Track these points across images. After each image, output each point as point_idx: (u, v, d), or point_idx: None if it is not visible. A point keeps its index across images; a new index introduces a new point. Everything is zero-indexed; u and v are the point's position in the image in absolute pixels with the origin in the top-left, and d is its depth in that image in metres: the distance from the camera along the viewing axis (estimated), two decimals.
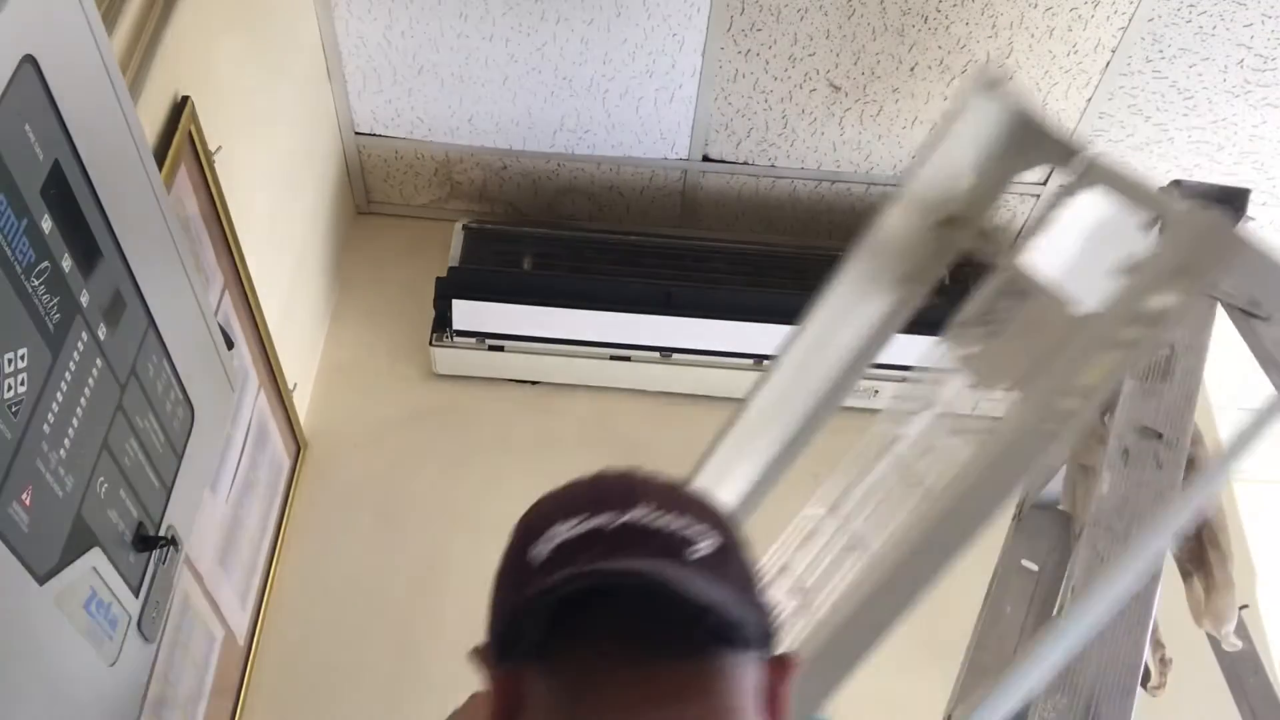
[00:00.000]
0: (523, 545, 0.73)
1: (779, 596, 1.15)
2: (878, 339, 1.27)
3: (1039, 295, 1.11)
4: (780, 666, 0.71)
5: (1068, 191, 1.13)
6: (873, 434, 1.21)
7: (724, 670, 0.67)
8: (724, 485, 1.25)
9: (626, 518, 0.69)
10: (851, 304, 1.28)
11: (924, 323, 2.52)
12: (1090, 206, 1.11)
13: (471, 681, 1.76)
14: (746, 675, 0.68)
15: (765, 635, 0.70)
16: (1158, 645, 1.07)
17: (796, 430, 1.27)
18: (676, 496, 0.73)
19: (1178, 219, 0.99)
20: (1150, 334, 0.98)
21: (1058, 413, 0.99)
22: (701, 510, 0.72)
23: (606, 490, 0.73)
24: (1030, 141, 1.25)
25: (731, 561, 0.70)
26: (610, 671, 0.66)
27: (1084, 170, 1.12)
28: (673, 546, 0.68)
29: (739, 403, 1.27)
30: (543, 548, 0.71)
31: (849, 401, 1.35)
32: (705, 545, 0.68)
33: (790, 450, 1.26)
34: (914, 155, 2.51)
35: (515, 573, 0.73)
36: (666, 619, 0.65)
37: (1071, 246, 1.12)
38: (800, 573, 1.18)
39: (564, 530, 0.70)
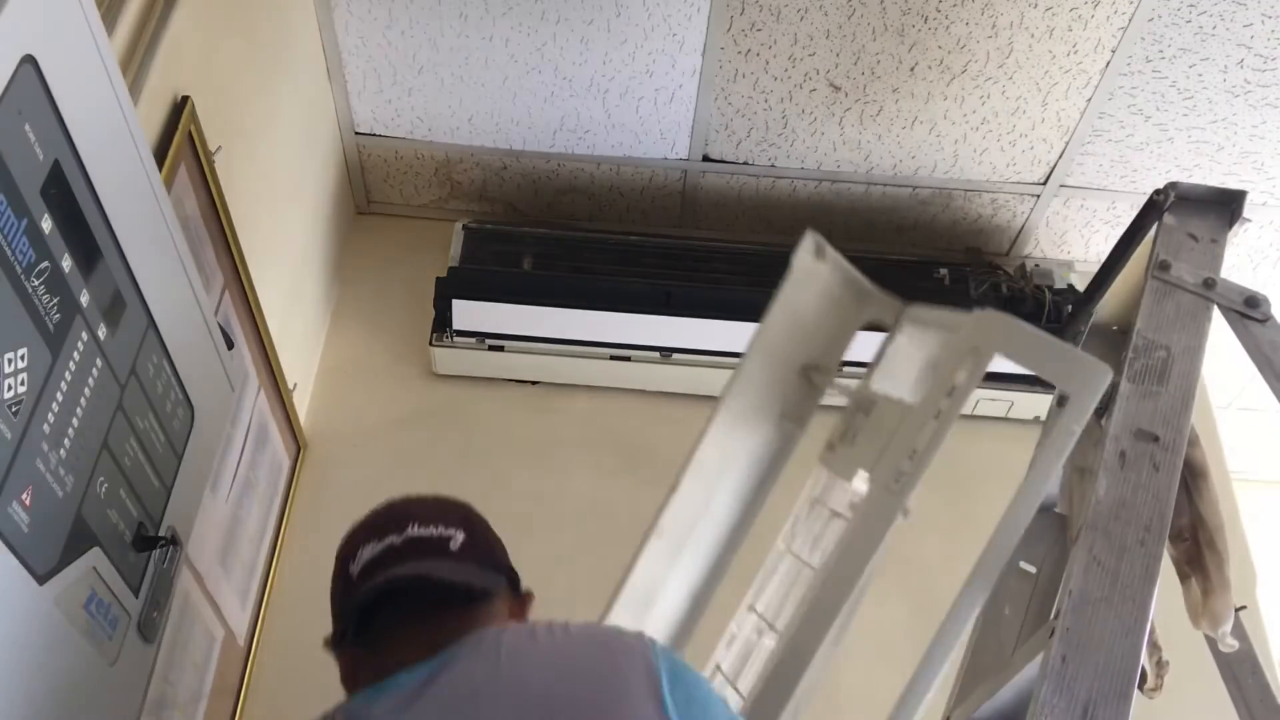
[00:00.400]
0: (343, 565, 1.09)
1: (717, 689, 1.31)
2: (770, 475, 1.47)
3: (881, 404, 1.35)
4: (520, 601, 1.12)
5: (894, 332, 1.43)
6: (776, 545, 1.44)
7: (476, 613, 1.04)
8: (651, 610, 1.44)
9: (408, 534, 1.09)
10: (737, 442, 1.48)
11: None
12: (912, 339, 1.41)
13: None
14: (495, 612, 1.06)
15: (508, 584, 1.10)
16: (1154, 648, 1.07)
17: (712, 561, 1.47)
18: (437, 512, 1.12)
19: (973, 319, 1.26)
20: (956, 401, 1.21)
21: (898, 475, 1.20)
22: (452, 517, 1.12)
23: (393, 517, 1.12)
24: (861, 299, 1.54)
25: (475, 545, 1.09)
26: (403, 628, 1.02)
27: (903, 315, 1.43)
28: (439, 546, 1.07)
29: (645, 534, 1.46)
30: (356, 566, 1.07)
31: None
32: (458, 539, 1.09)
33: (710, 580, 1.45)
34: (913, 155, 2.51)
35: (341, 586, 1.08)
36: (435, 594, 1.01)
37: (906, 369, 1.38)
38: (725, 667, 1.42)
39: (369, 551, 1.08)
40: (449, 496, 1.19)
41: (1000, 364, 1.18)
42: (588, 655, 1.00)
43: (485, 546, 1.12)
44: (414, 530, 1.10)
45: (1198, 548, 1.18)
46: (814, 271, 1.52)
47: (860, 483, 1.34)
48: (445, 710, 0.96)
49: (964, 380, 1.24)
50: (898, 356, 1.41)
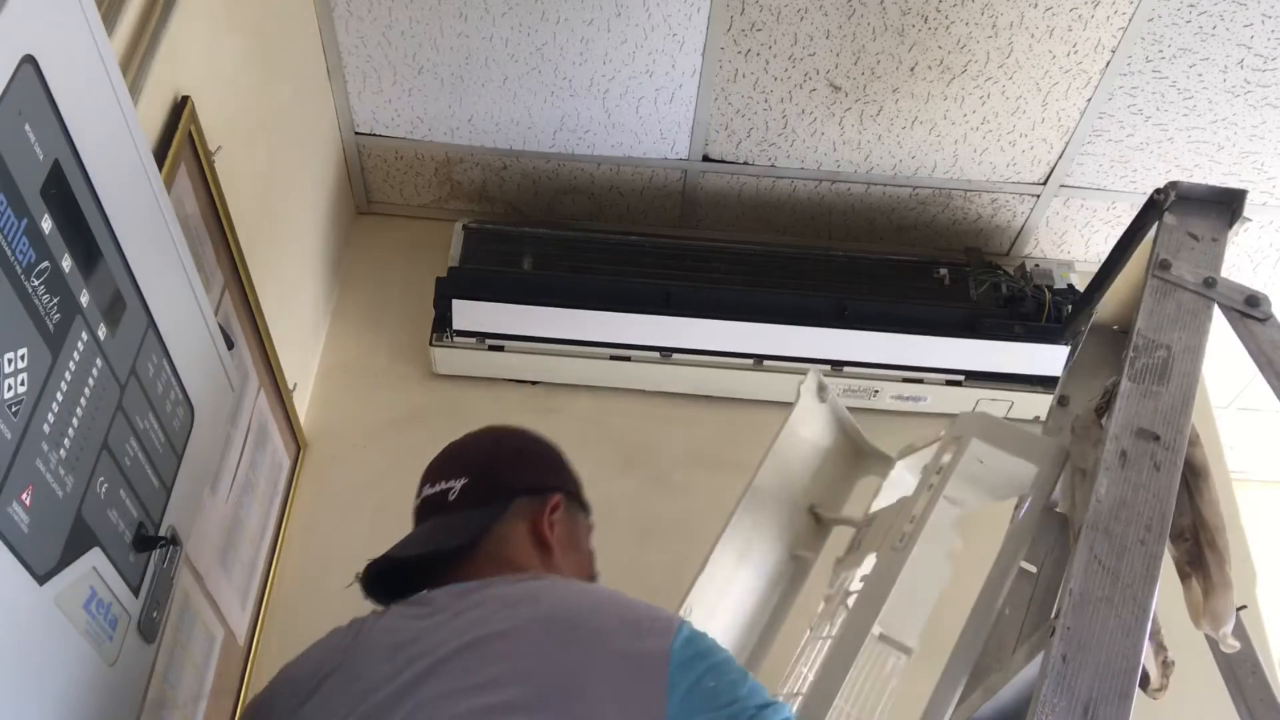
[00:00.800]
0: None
1: None
2: (783, 606, 1.64)
3: (884, 513, 1.55)
4: (539, 508, 1.20)
5: (889, 473, 1.66)
6: (805, 635, 1.54)
7: (491, 547, 1.15)
8: None
9: (421, 496, 1.28)
10: (750, 581, 1.64)
11: (921, 323, 2.52)
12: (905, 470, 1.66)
13: None
14: (511, 535, 1.17)
15: (527, 497, 1.20)
16: (1160, 648, 1.07)
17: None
18: (445, 465, 1.27)
19: (959, 421, 1.53)
20: (944, 476, 1.45)
21: (901, 537, 1.38)
22: (456, 466, 1.25)
23: (422, 477, 1.29)
24: (857, 453, 1.74)
25: (475, 486, 1.20)
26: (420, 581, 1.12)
27: (894, 465, 1.66)
28: (439, 502, 1.22)
29: None
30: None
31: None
32: (455, 489, 1.21)
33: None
34: (913, 155, 2.51)
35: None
36: (437, 551, 1.15)
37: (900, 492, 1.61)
38: None
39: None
40: (476, 434, 1.34)
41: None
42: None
43: (486, 483, 1.21)
44: (425, 491, 1.27)
45: (1199, 547, 1.18)
46: (815, 409, 1.72)
47: (870, 563, 1.46)
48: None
49: (950, 460, 1.47)
50: (893, 488, 1.64)
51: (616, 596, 1.06)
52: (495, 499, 1.18)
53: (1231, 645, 1.21)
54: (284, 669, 1.11)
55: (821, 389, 1.71)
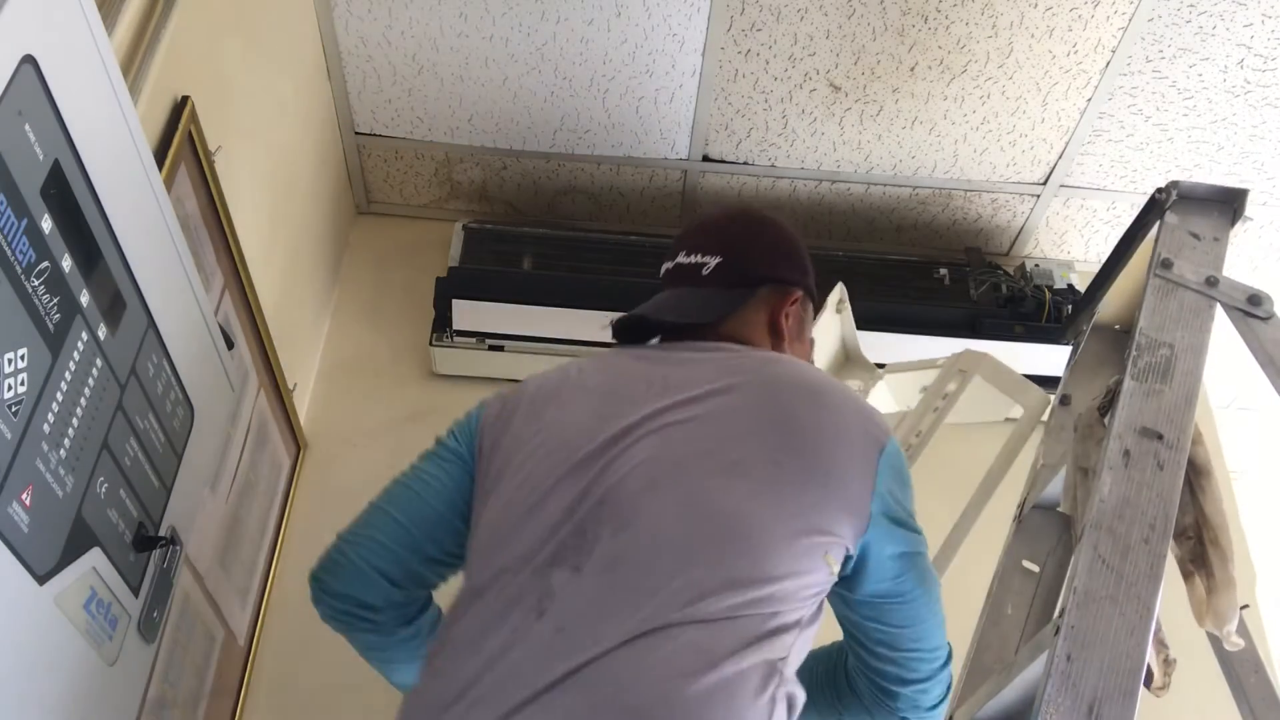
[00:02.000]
0: None
1: None
2: None
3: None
4: (780, 300, 1.27)
5: (869, 389, 1.97)
6: None
7: (731, 325, 1.23)
8: None
9: (675, 262, 1.29)
10: None
11: (921, 323, 2.51)
12: (890, 386, 2.01)
13: None
14: (751, 320, 1.25)
15: (774, 286, 1.27)
16: (1161, 645, 1.07)
17: None
18: (704, 238, 1.29)
19: (960, 355, 1.80)
20: (950, 401, 1.73)
21: (905, 448, 1.53)
22: (714, 243, 1.27)
23: (676, 243, 1.31)
24: (847, 359, 2.08)
25: (729, 266, 1.26)
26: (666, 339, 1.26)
27: (878, 378, 1.98)
28: (693, 274, 1.26)
29: None
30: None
31: None
32: (710, 265, 1.26)
33: None
34: (913, 155, 2.51)
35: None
36: (688, 320, 1.24)
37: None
38: None
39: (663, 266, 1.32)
40: (735, 213, 1.36)
41: None
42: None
43: (740, 265, 1.27)
44: (680, 258, 1.29)
45: (1202, 546, 1.18)
46: (831, 320, 1.90)
47: None
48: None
49: (954, 389, 1.70)
50: (878, 401, 1.87)
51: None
52: (745, 283, 1.26)
53: (1235, 644, 1.21)
54: (523, 384, 1.22)
55: (841, 302, 1.90)
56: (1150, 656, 0.97)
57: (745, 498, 1.02)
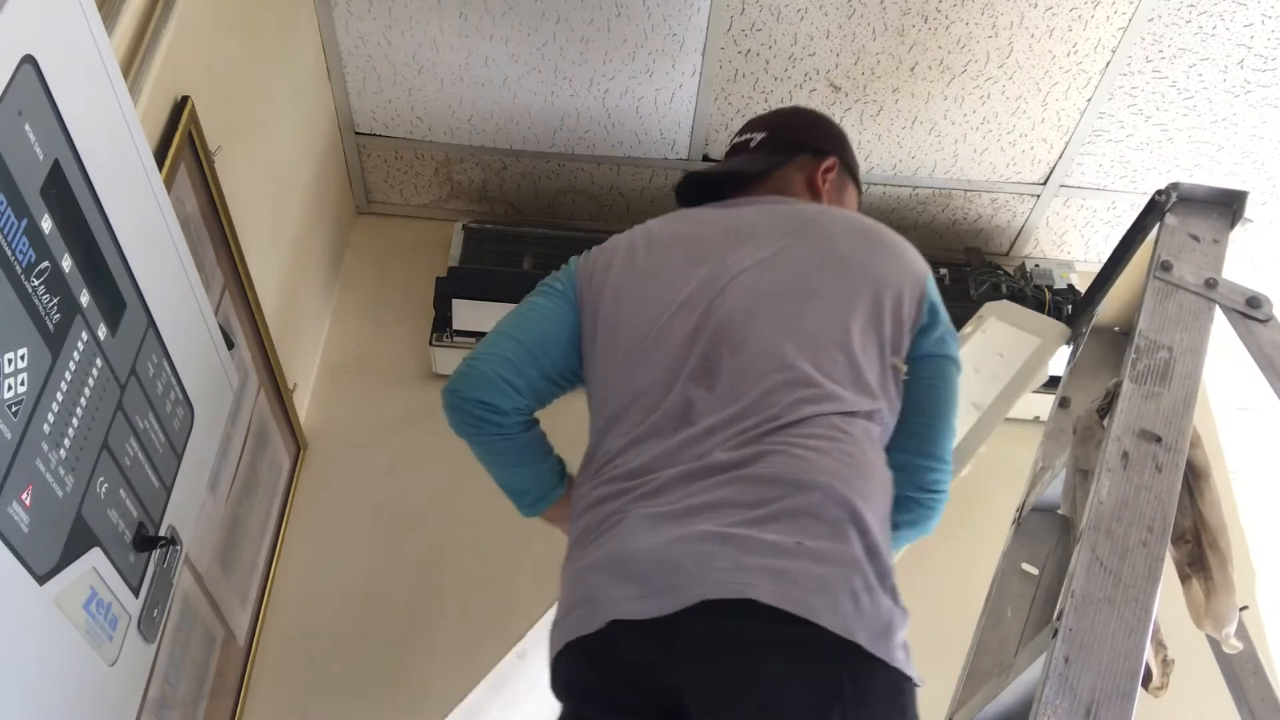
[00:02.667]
0: None
1: None
2: None
3: None
4: (816, 164, 1.50)
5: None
6: None
7: (773, 182, 1.47)
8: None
9: (730, 144, 1.60)
10: None
11: None
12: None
13: (472, 681, 1.76)
14: (791, 178, 1.49)
15: (809, 155, 1.50)
16: (1159, 646, 1.07)
17: None
18: (750, 124, 1.59)
19: (982, 309, 1.93)
20: (965, 340, 1.82)
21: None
22: (762, 124, 1.58)
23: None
24: None
25: (771, 139, 1.53)
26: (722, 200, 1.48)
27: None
28: (742, 147, 1.55)
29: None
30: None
31: None
32: (755, 139, 1.54)
33: None
34: (913, 155, 2.51)
35: None
36: (734, 173, 1.51)
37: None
38: None
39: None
40: (787, 108, 1.72)
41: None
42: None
43: (780, 137, 1.53)
44: (733, 140, 1.59)
45: (1200, 549, 1.18)
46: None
47: None
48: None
49: (970, 330, 1.84)
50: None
51: None
52: (784, 150, 1.51)
53: (1234, 646, 1.21)
54: (612, 240, 1.42)
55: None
56: (1149, 656, 0.97)
57: (825, 317, 1.25)
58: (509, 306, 2.38)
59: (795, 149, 1.51)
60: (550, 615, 1.61)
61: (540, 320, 1.38)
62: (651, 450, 1.19)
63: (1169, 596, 1.07)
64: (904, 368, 1.28)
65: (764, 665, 1.00)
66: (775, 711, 0.99)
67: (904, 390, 1.29)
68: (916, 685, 1.06)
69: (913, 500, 1.28)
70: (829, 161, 1.51)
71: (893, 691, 1.02)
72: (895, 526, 1.29)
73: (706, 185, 1.52)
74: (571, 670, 1.14)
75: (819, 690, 0.99)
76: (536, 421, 1.42)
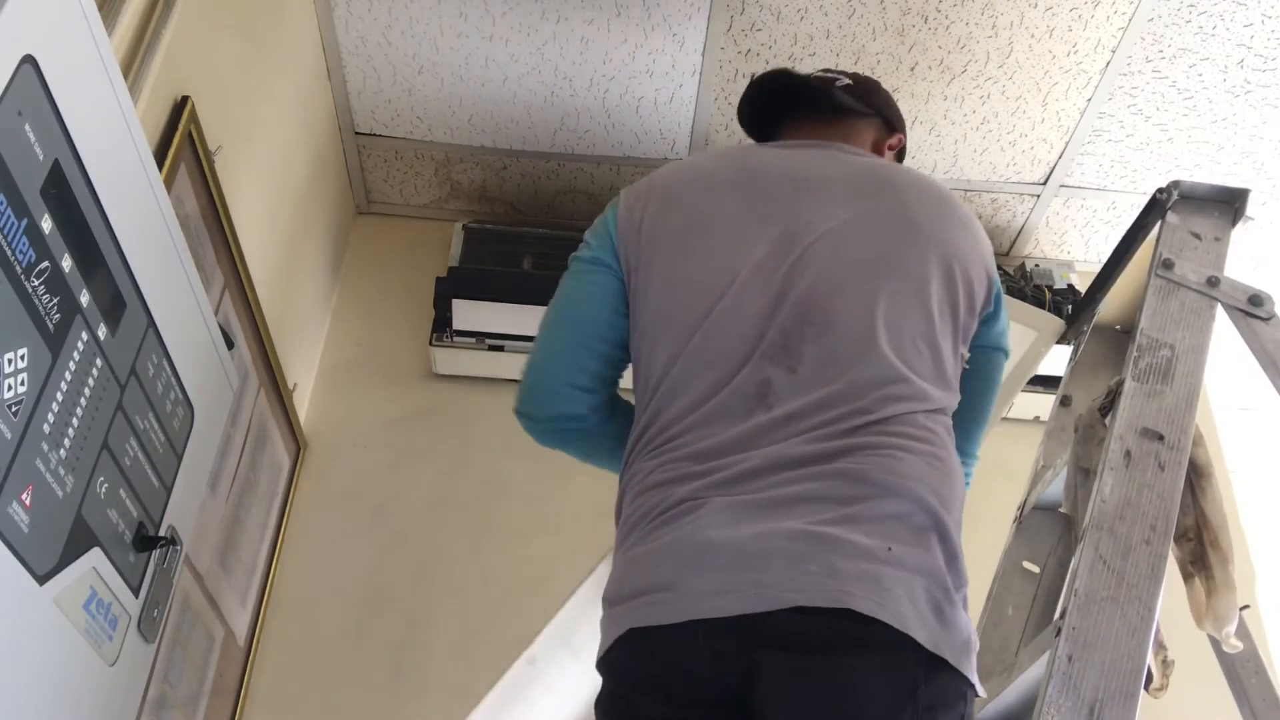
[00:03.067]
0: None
1: None
2: None
3: None
4: (887, 133, 1.48)
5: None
6: None
7: (836, 123, 1.44)
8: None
9: (815, 73, 1.51)
10: None
11: None
12: None
13: (472, 681, 1.76)
14: (856, 131, 1.45)
15: (881, 120, 1.48)
16: (1160, 647, 1.07)
17: None
18: (839, 70, 1.52)
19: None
20: None
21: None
22: (846, 73, 1.51)
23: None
24: None
25: (855, 88, 1.47)
26: (783, 115, 1.48)
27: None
28: (830, 79, 1.47)
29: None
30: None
31: None
32: (844, 81, 1.48)
33: None
34: (913, 155, 2.51)
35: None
36: (803, 97, 1.47)
37: None
38: None
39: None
40: (873, 77, 1.59)
41: None
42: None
43: (865, 93, 1.48)
44: (818, 72, 1.52)
45: (1201, 547, 1.18)
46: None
47: None
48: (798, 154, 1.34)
49: None
50: None
51: None
52: (866, 104, 1.46)
53: (1234, 646, 1.21)
54: (653, 177, 1.34)
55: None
56: (1149, 658, 0.97)
57: (909, 300, 1.18)
58: (509, 306, 2.41)
59: (875, 108, 1.47)
60: (558, 622, 1.59)
61: (583, 306, 1.30)
62: (722, 432, 1.12)
63: (1169, 597, 1.07)
64: (966, 355, 1.24)
65: (845, 657, 0.98)
66: (850, 702, 0.98)
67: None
68: (977, 695, 1.05)
69: None
70: (897, 138, 1.49)
71: (957, 700, 1.02)
72: None
73: (788, 91, 1.47)
74: (633, 656, 1.08)
75: (894, 689, 0.98)
76: (618, 399, 1.34)
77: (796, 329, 1.15)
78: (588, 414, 1.28)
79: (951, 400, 1.19)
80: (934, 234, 1.23)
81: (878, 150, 1.46)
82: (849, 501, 1.04)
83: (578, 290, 1.31)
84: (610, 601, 1.11)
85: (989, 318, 1.28)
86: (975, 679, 1.03)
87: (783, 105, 1.47)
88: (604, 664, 1.11)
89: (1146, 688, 1.02)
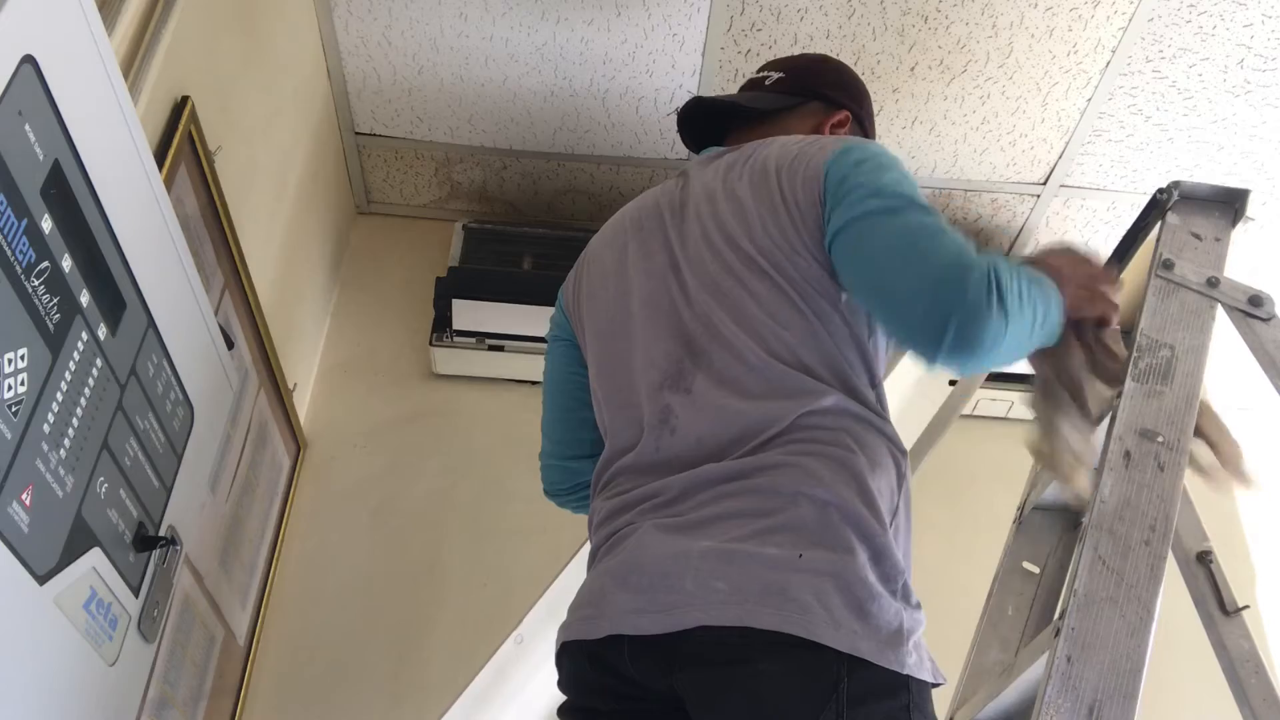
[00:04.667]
0: None
1: None
2: None
3: None
4: (827, 115, 1.44)
5: None
6: None
7: (785, 120, 1.43)
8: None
9: (749, 79, 1.54)
10: None
11: None
12: None
13: (472, 681, 1.75)
14: (796, 125, 1.42)
15: (820, 102, 1.45)
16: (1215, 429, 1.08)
17: None
18: (772, 63, 1.54)
19: None
20: None
21: None
22: (782, 64, 1.52)
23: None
24: None
25: (786, 80, 1.47)
26: (706, 132, 1.49)
27: None
28: (758, 83, 1.50)
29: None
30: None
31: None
32: (772, 78, 1.49)
33: None
34: (913, 155, 2.51)
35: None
36: (735, 106, 1.47)
37: None
38: None
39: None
40: (813, 54, 1.64)
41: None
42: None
43: (798, 82, 1.47)
44: (754, 74, 1.54)
45: (1206, 443, 1.18)
46: None
47: None
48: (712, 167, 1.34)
49: None
50: None
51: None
52: (797, 93, 1.45)
53: (1254, 483, 1.20)
54: (606, 224, 1.42)
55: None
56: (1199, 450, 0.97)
57: (773, 287, 1.17)
58: (509, 306, 2.41)
59: (808, 95, 1.45)
60: (545, 601, 1.62)
61: (556, 387, 1.42)
62: (642, 462, 1.18)
63: (1170, 597, 1.07)
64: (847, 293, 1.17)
65: (761, 666, 1.00)
66: (770, 704, 0.99)
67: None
68: (932, 684, 1.04)
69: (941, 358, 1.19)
70: (840, 115, 1.44)
71: (895, 690, 1.01)
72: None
73: (709, 114, 1.47)
74: (574, 667, 1.16)
75: (813, 687, 0.99)
76: None
77: (688, 357, 1.19)
78: None
79: (851, 363, 1.16)
80: (758, 206, 1.21)
81: (818, 133, 1.42)
82: (763, 515, 1.07)
83: (549, 371, 1.44)
84: (567, 616, 1.19)
85: (831, 211, 1.16)
86: (909, 668, 1.01)
87: (713, 129, 1.48)
88: (558, 676, 1.20)
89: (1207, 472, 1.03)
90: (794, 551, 1.03)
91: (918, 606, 1.07)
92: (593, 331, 1.33)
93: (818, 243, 1.16)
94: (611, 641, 1.08)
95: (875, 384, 1.19)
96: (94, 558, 1.15)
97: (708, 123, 1.48)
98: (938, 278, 1.04)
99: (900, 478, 1.16)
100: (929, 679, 1.04)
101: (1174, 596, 1.17)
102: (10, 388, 0.94)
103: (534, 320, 2.40)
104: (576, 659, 1.15)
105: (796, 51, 2.30)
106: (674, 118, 1.60)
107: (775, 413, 1.12)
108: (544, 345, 2.39)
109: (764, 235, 1.19)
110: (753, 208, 1.21)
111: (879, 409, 1.17)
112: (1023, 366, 2.30)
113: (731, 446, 1.12)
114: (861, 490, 1.09)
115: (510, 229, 2.61)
